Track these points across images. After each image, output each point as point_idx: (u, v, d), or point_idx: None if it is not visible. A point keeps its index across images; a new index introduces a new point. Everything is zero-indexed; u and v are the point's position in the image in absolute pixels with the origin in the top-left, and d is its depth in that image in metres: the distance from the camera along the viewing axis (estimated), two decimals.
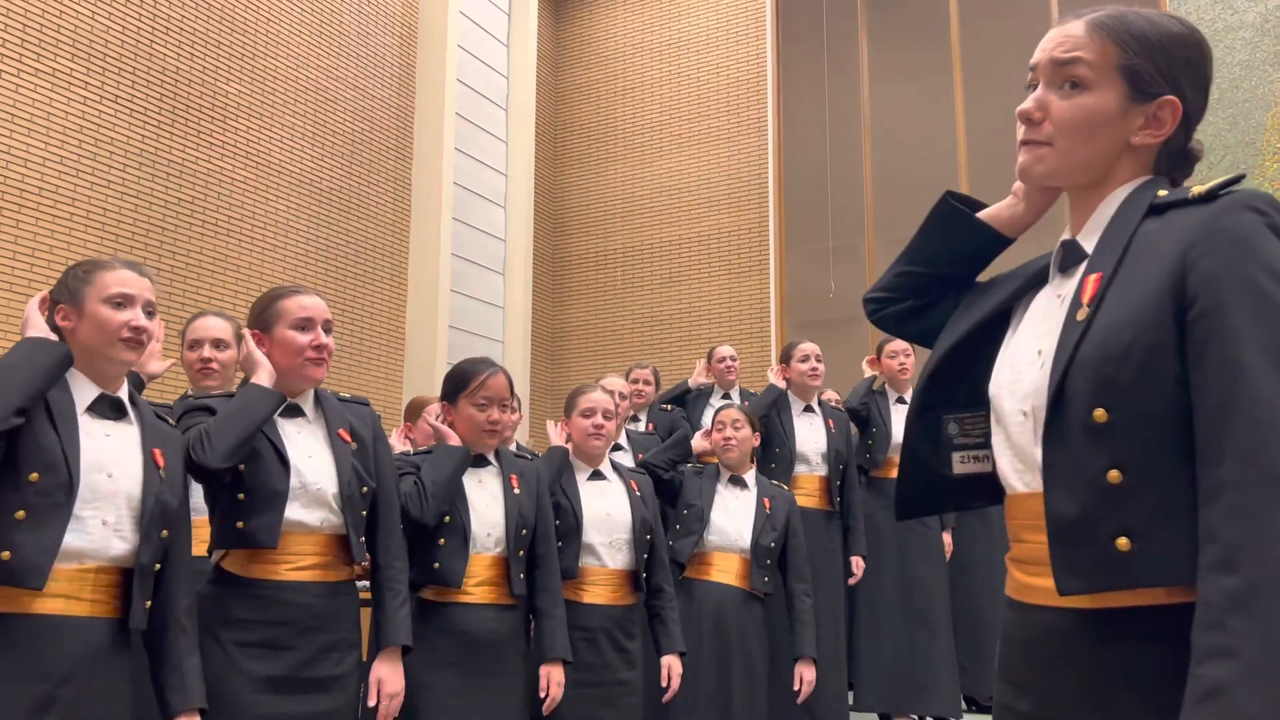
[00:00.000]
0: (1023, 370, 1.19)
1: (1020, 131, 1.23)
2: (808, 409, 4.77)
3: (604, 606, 3.09)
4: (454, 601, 2.65)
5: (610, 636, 3.06)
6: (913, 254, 1.45)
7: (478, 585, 2.68)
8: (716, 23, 10.51)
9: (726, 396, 5.70)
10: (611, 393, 4.56)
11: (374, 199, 8.53)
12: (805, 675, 3.64)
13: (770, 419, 4.67)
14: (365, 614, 2.39)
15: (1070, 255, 1.22)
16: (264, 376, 2.25)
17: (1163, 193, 1.14)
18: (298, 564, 2.24)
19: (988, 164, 8.97)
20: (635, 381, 5.39)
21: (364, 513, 2.36)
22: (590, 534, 3.11)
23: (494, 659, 2.67)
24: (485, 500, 2.77)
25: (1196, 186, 1.11)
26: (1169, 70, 1.18)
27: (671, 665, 3.20)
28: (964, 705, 5.03)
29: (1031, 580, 1.15)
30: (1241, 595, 0.92)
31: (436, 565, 2.63)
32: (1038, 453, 1.13)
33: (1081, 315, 1.10)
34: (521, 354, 9.91)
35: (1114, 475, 1.04)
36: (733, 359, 5.73)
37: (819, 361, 4.78)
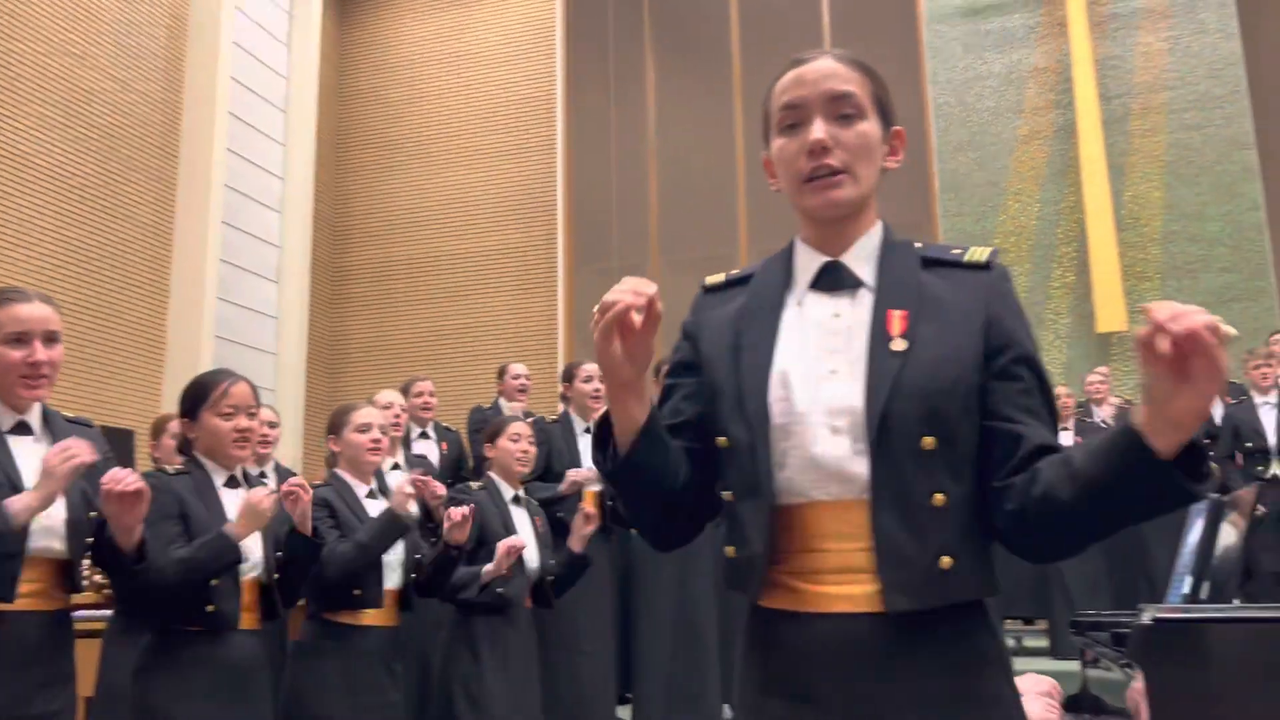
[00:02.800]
0: (819, 385, 1.21)
1: (802, 165, 1.26)
2: (587, 430, 4.78)
3: (379, 628, 3.05)
4: (211, 629, 2.50)
5: (383, 658, 3.02)
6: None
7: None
8: (506, 39, 10.48)
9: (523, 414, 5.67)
10: (389, 407, 4.46)
11: (134, 198, 7.95)
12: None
13: (557, 443, 4.66)
14: (82, 646, 2.21)
15: (838, 277, 1.28)
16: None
17: (918, 244, 1.29)
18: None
19: (766, 190, 9.35)
20: (419, 395, 5.26)
21: (89, 539, 2.18)
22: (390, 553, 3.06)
23: (251, 685, 2.55)
24: None
25: (958, 251, 1.28)
26: (891, 104, 1.32)
27: None
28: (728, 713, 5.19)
29: (828, 589, 1.17)
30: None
31: (211, 608, 2.46)
32: (855, 466, 1.17)
33: (898, 346, 1.19)
34: (297, 366, 9.49)
35: (939, 498, 1.15)
36: (527, 377, 5.70)
37: (602, 382, 4.79)
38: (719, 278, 1.42)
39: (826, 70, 1.27)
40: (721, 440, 1.26)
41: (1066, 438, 6.27)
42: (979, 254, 1.26)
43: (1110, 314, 8.24)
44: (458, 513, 3.13)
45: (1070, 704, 2.54)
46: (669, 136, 10.13)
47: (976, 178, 8.91)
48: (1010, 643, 6.45)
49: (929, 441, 1.15)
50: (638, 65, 10.35)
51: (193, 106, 8.53)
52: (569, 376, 4.83)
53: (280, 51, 9.98)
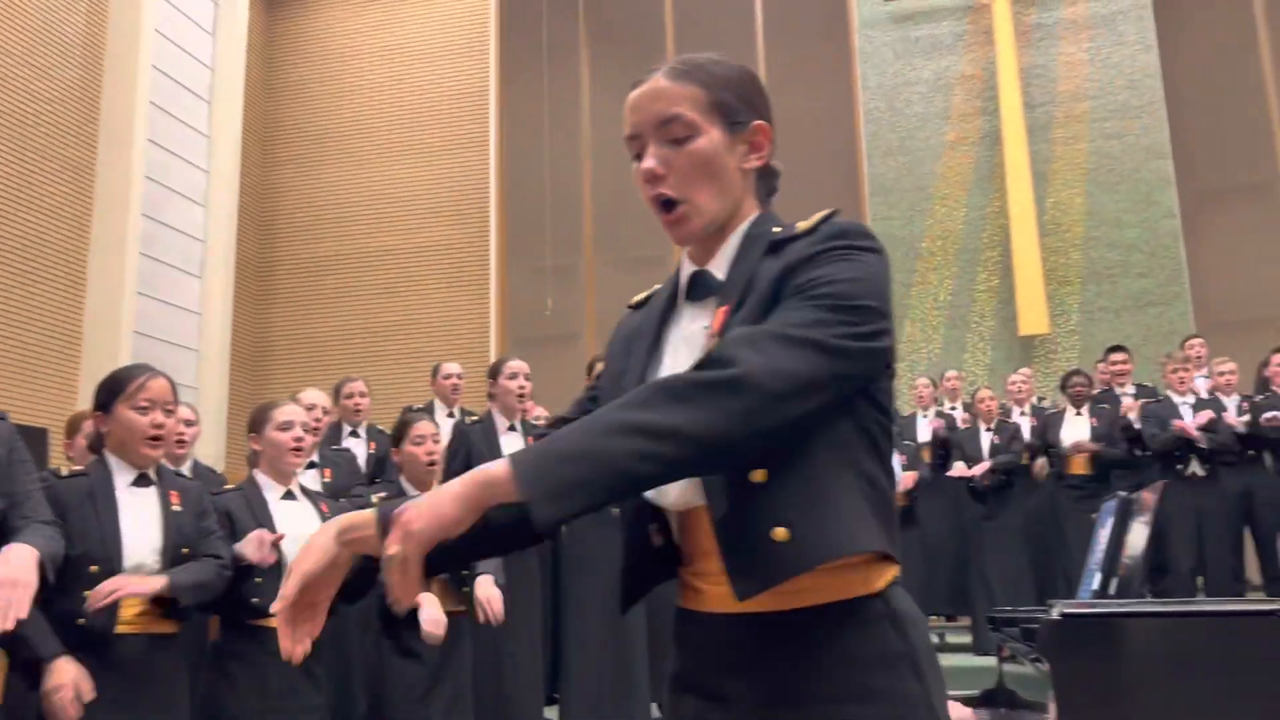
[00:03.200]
0: None
1: (646, 193, 1.25)
2: (511, 428, 4.74)
3: None
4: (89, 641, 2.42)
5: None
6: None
7: (138, 614, 2.48)
8: (441, 34, 10.39)
9: (451, 415, 5.61)
10: (312, 408, 4.38)
11: (50, 189, 7.71)
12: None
13: (477, 445, 4.61)
14: None
15: (705, 285, 1.28)
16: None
17: (776, 230, 1.27)
18: None
19: None
20: (350, 395, 5.20)
21: None
22: (290, 558, 2.97)
23: (157, 691, 2.49)
24: (144, 522, 2.55)
25: (801, 223, 1.24)
26: (748, 99, 1.29)
27: None
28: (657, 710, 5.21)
29: (725, 589, 1.17)
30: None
31: (81, 621, 2.38)
32: None
33: (709, 344, 1.19)
34: (219, 364, 9.28)
35: (759, 475, 1.13)
36: (459, 376, 5.65)
37: (528, 380, 4.77)
38: (642, 295, 1.42)
39: (653, 93, 1.25)
40: None
41: (985, 439, 6.40)
42: (813, 219, 1.24)
43: (1033, 317, 8.43)
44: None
45: (986, 699, 2.59)
46: (604, 135, 10.12)
47: (905, 182, 9.06)
48: (934, 639, 6.57)
49: None
50: (572, 63, 10.32)
51: (112, 95, 8.29)
52: (495, 374, 4.78)
53: (205, 41, 9.75)
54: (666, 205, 1.25)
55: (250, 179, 10.09)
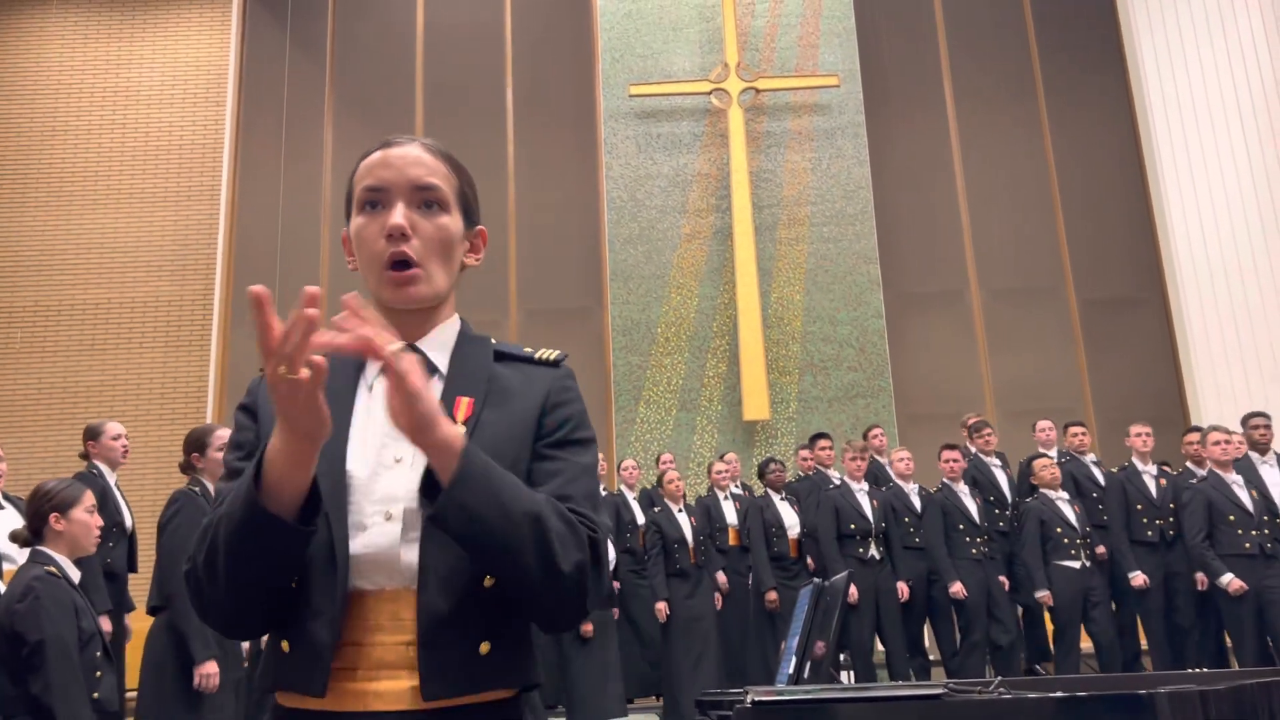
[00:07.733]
0: (379, 472, 1.18)
1: (379, 247, 1.22)
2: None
3: None
4: None
5: None
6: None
7: None
8: (173, 79, 9.85)
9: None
10: None
11: None
12: None
13: (199, 512, 4.27)
14: None
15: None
16: None
17: (495, 342, 1.32)
18: None
19: None
20: None
21: None
22: None
23: None
24: None
25: (530, 350, 1.32)
26: (477, 203, 1.35)
27: None
28: None
29: (364, 686, 1.12)
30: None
31: None
32: (404, 554, 1.13)
33: None
34: None
35: (489, 581, 1.13)
36: (127, 438, 5.25)
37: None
38: None
39: (413, 158, 1.25)
40: None
41: (683, 519, 6.57)
42: (549, 353, 1.32)
43: (756, 404, 8.91)
44: None
45: None
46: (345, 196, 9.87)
47: (644, 270, 9.40)
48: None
49: None
50: (315, 122, 10.06)
51: None
52: (200, 445, 4.28)
53: None
54: (403, 264, 1.23)
55: None
